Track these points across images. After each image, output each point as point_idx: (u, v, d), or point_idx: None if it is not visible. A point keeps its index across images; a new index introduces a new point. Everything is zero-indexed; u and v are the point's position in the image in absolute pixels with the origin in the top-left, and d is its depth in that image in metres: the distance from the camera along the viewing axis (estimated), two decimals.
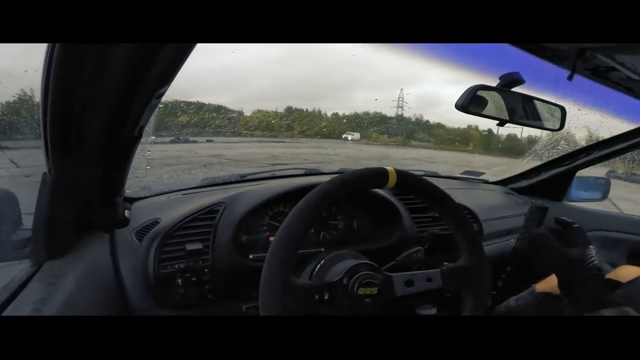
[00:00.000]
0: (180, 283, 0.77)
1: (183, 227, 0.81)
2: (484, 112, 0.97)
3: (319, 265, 0.74)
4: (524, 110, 1.04)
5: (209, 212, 0.86)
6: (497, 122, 1.00)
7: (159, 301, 0.77)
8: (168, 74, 0.45)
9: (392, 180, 0.66)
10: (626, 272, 1.02)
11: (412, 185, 0.70)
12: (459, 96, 0.93)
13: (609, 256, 1.33)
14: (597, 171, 1.53)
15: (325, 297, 0.63)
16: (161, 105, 0.62)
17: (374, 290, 0.67)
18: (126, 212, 0.84)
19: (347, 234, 1.02)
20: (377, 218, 1.06)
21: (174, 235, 0.80)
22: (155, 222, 0.84)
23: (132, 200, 0.94)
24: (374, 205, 1.04)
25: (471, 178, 1.58)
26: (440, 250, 1.03)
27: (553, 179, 1.48)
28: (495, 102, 0.99)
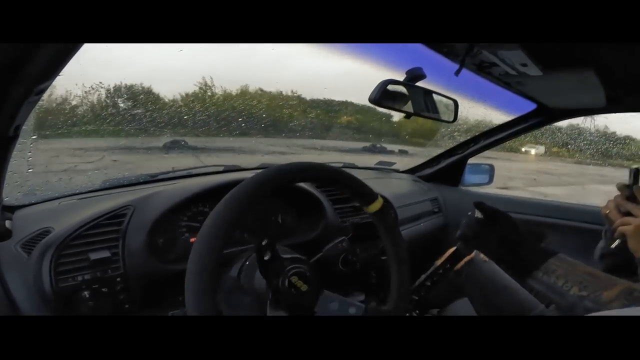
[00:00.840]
0: (87, 295, 0.68)
1: (83, 235, 0.72)
2: (394, 105, 1.04)
3: (244, 267, 0.71)
4: (425, 104, 1.13)
5: (114, 217, 0.78)
6: (405, 114, 1.08)
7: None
8: (50, 71, 0.41)
9: None
10: None
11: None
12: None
13: None
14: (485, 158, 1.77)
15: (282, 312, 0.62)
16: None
17: (306, 284, 0.66)
18: (7, 223, 0.71)
19: (271, 228, 1.01)
20: (300, 211, 1.07)
21: (71, 244, 0.70)
22: (46, 232, 0.73)
23: (12, 208, 0.80)
24: (297, 198, 1.04)
25: (384, 168, 1.70)
26: (363, 239, 1.07)
27: (450, 166, 1.68)
28: (402, 95, 1.07)
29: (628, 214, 0.75)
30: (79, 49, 0.40)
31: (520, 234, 0.68)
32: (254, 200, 0.60)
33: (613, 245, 0.78)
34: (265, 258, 0.62)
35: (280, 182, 0.63)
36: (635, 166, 0.79)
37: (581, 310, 0.55)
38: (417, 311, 1.06)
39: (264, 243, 0.62)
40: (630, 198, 0.77)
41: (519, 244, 0.66)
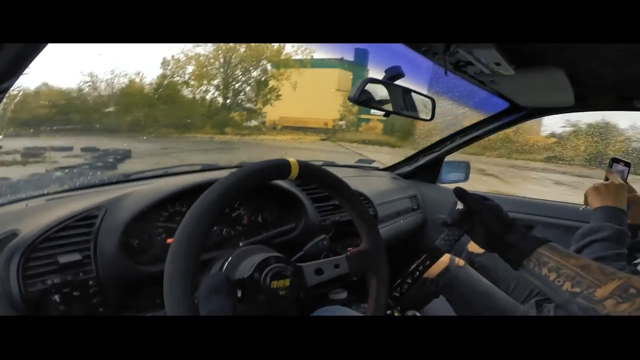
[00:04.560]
0: (58, 300, 0.66)
1: (51, 238, 0.68)
2: (373, 104, 1.04)
3: (227, 262, 0.70)
4: (404, 102, 1.15)
5: (85, 219, 0.74)
6: (384, 113, 1.09)
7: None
8: (13, 70, 0.42)
9: (295, 171, 0.65)
10: None
11: (313, 175, 0.70)
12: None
13: None
14: (461, 156, 1.81)
15: (239, 295, 0.60)
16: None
17: (287, 282, 0.66)
18: None
19: (252, 228, 0.99)
20: (280, 210, 1.06)
21: (40, 247, 0.67)
22: (13, 234, 0.70)
23: None
24: (277, 197, 1.03)
25: (364, 166, 1.71)
26: (343, 236, 1.08)
27: (428, 164, 1.71)
28: (381, 94, 1.07)
29: None
30: (42, 48, 0.40)
31: (503, 221, 0.65)
32: (228, 201, 0.59)
33: (581, 209, 0.96)
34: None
35: (255, 182, 0.62)
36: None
37: (574, 307, 0.54)
38: (398, 308, 1.07)
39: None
40: None
41: (505, 232, 0.64)
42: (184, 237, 0.53)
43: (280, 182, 1.01)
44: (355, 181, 1.35)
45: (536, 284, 0.61)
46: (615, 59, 0.81)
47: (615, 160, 0.98)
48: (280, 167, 0.65)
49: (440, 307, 1.15)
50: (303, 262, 0.70)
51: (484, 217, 0.66)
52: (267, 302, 0.64)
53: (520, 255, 0.61)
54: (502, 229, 0.64)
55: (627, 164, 0.98)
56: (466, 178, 1.81)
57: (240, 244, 0.90)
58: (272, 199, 1.04)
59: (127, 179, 1.02)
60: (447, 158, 1.72)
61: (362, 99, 0.97)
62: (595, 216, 0.88)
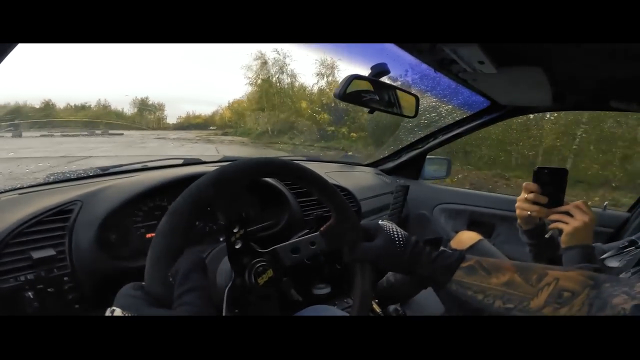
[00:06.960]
0: (32, 296, 0.64)
1: (24, 233, 0.66)
2: (358, 101, 1.05)
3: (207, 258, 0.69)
4: (388, 99, 1.16)
5: (60, 213, 0.73)
6: (369, 109, 1.10)
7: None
8: None
9: None
10: (466, 237, 1.27)
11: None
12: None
13: (454, 224, 1.64)
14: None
15: (236, 311, 0.59)
16: None
17: (270, 273, 0.65)
18: None
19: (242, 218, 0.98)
20: (264, 205, 1.05)
21: (12, 243, 0.65)
22: None
23: None
24: (260, 192, 1.02)
25: (348, 162, 1.72)
26: None
27: (410, 160, 1.73)
28: (367, 91, 1.08)
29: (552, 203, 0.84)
30: (11, 49, 0.40)
31: (403, 257, 0.58)
32: (215, 196, 0.57)
33: (547, 235, 0.91)
34: (237, 247, 0.60)
35: (243, 179, 0.61)
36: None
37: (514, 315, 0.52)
38: (378, 300, 1.08)
39: (235, 230, 0.59)
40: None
41: (411, 267, 0.58)
42: (164, 235, 0.52)
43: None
44: (339, 176, 1.35)
45: (463, 301, 0.56)
46: (592, 59, 0.83)
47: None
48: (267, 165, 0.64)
49: (429, 297, 1.18)
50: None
51: (382, 264, 0.62)
52: (258, 299, 0.63)
53: (439, 284, 0.57)
54: (406, 265, 0.58)
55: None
56: (447, 174, 1.84)
57: (221, 239, 0.89)
58: (255, 193, 1.03)
59: (104, 172, 0.99)
60: (429, 154, 1.75)
61: (347, 95, 0.98)
62: (571, 255, 0.81)
